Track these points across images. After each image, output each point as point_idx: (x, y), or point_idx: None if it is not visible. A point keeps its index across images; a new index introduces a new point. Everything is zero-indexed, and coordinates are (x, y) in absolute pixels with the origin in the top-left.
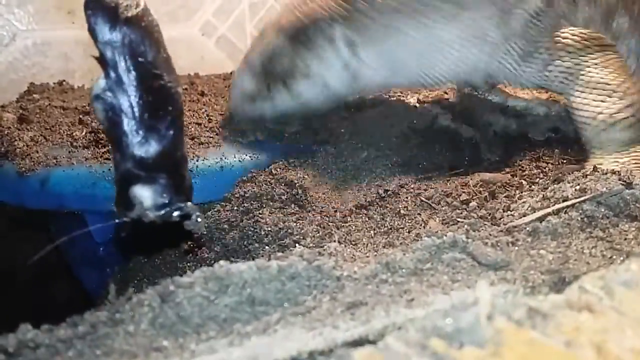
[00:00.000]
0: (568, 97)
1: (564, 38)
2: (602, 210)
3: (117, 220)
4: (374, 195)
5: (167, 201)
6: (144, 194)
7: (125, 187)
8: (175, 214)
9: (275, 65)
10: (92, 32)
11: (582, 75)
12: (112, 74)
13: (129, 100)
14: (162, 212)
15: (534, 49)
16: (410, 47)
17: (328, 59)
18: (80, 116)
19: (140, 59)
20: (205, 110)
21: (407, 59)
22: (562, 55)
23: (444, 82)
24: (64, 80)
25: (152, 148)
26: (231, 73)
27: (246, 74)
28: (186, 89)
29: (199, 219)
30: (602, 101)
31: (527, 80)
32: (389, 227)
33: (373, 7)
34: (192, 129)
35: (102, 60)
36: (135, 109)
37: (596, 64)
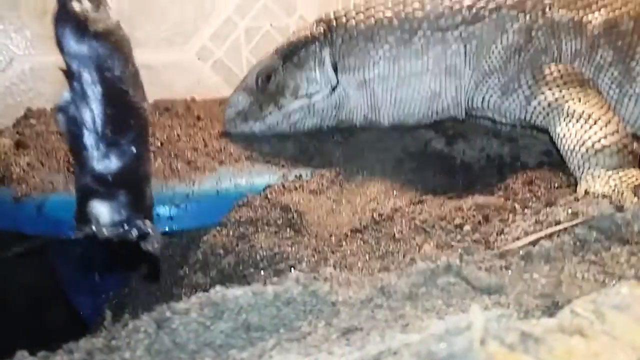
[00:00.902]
0: (552, 129)
1: (546, 74)
2: (594, 234)
3: (73, 236)
4: (369, 219)
5: (124, 218)
6: (101, 210)
7: (84, 201)
8: (133, 232)
9: (268, 83)
10: (59, 43)
11: (565, 108)
12: (77, 87)
13: (91, 114)
14: (119, 229)
15: (516, 85)
16: (384, 79)
17: (317, 79)
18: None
19: (106, 73)
20: (202, 135)
21: (382, 91)
22: (544, 90)
23: (423, 117)
24: None
25: (112, 163)
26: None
27: (241, 93)
28: (182, 113)
29: (157, 240)
30: (586, 130)
31: (510, 114)
32: (384, 251)
33: (352, 36)
34: (189, 153)
35: (67, 72)
36: (97, 123)
37: (578, 97)
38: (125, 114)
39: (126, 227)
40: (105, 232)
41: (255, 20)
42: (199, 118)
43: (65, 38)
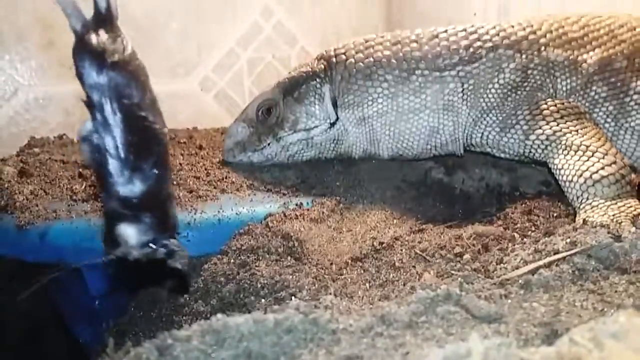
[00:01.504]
0: (551, 161)
1: (542, 109)
2: (593, 263)
3: (104, 259)
4: (369, 247)
5: (151, 239)
6: (129, 232)
7: (112, 225)
8: (160, 251)
9: (268, 116)
10: (80, 76)
11: (563, 141)
12: (99, 116)
13: (114, 142)
14: (147, 250)
15: (514, 121)
16: (383, 115)
17: (316, 114)
18: (80, 170)
19: (125, 101)
20: (204, 164)
21: (381, 126)
22: (541, 125)
23: (422, 151)
24: (64, 134)
25: (136, 188)
26: None
27: (240, 124)
28: (185, 142)
29: (183, 257)
30: (584, 162)
31: (509, 149)
32: (384, 279)
33: (351, 74)
34: (191, 182)
35: (89, 102)
36: (121, 150)
37: (575, 130)
38: (146, 139)
39: (154, 247)
40: (134, 253)
41: (257, 51)
42: (201, 147)
43: (84, 70)
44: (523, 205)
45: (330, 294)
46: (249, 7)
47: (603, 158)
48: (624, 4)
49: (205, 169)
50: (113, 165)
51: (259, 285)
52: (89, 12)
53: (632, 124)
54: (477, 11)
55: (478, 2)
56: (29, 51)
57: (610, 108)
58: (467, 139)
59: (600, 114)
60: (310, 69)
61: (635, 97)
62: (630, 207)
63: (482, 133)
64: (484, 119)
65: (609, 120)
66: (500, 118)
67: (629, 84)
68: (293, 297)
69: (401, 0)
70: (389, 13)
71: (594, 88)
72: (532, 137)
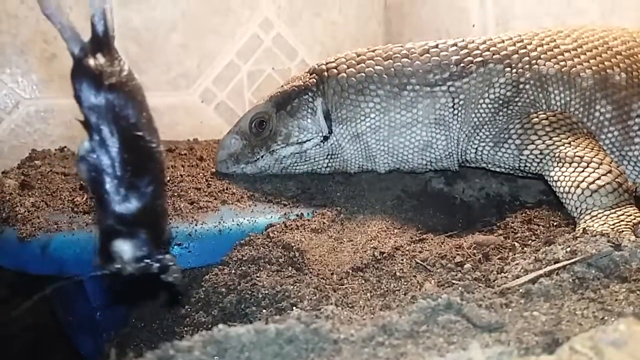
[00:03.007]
0: (547, 174)
1: (534, 122)
2: (593, 271)
3: (98, 274)
4: (370, 257)
5: (145, 254)
6: (124, 248)
7: (107, 241)
8: (154, 266)
9: (261, 130)
10: (77, 97)
11: (557, 153)
12: (96, 137)
13: (110, 161)
14: (141, 264)
15: (506, 135)
16: (376, 130)
17: (308, 128)
18: (81, 182)
19: (122, 122)
20: (204, 175)
21: (375, 142)
22: (534, 139)
23: (417, 165)
24: (65, 147)
25: (132, 205)
26: None
27: (234, 136)
28: (185, 154)
29: (177, 271)
30: (579, 173)
31: (504, 164)
32: (385, 289)
33: (344, 88)
34: (191, 193)
35: (86, 123)
36: (117, 169)
37: (568, 142)
38: (142, 158)
39: (148, 262)
40: (129, 268)
41: (257, 64)
42: (201, 159)
43: (82, 92)
44: (523, 214)
45: (332, 303)
46: (248, 19)
47: (598, 168)
48: (622, 16)
49: (206, 180)
50: (109, 184)
51: (260, 296)
52: (86, 35)
53: (636, 152)
54: (476, 22)
55: (476, 13)
56: (30, 64)
57: (615, 136)
58: (462, 155)
59: (603, 143)
60: (302, 83)
61: (637, 120)
62: (630, 215)
63: (477, 149)
64: (477, 135)
65: (611, 153)
66: (493, 133)
67: (631, 104)
68: (294, 307)
69: (400, 12)
70: (388, 24)
71: (597, 107)
72: (526, 152)
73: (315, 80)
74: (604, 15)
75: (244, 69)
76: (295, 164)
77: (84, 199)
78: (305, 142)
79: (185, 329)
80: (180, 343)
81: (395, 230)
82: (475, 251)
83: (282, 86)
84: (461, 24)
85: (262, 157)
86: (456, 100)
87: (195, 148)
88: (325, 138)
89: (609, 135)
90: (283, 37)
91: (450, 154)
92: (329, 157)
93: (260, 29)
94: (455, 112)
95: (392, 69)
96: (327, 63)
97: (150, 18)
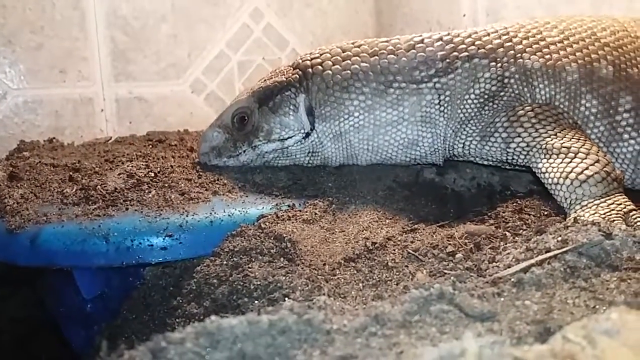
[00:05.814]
0: (535, 166)
1: (519, 115)
2: (584, 260)
3: None
4: (362, 248)
5: None
6: None
7: None
8: None
9: (242, 124)
10: None
11: (544, 145)
12: None
13: None
14: None
15: (492, 129)
16: (360, 129)
17: (290, 125)
18: (71, 173)
19: None
20: (195, 166)
21: (358, 141)
22: (520, 131)
23: (399, 163)
24: (54, 138)
25: None
26: None
27: (216, 129)
28: (176, 145)
29: None
30: (567, 164)
31: (492, 157)
32: (377, 279)
33: (328, 85)
34: (182, 184)
35: None
36: None
37: (554, 133)
38: None
39: None
40: None
41: (247, 54)
42: (192, 149)
43: None
44: (514, 204)
45: (324, 294)
46: (238, 9)
47: (586, 158)
48: (612, 5)
49: (197, 171)
50: None
51: (252, 287)
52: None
53: (624, 149)
54: (466, 12)
55: (467, 3)
56: (17, 54)
57: (601, 131)
58: (449, 150)
59: (592, 136)
60: (285, 79)
61: (625, 115)
62: (620, 204)
63: (464, 143)
64: (464, 130)
65: (600, 145)
66: (480, 127)
67: (618, 99)
68: (286, 298)
69: (391, 2)
70: (379, 15)
71: (582, 101)
72: (513, 144)
73: (298, 76)
74: (594, 4)
75: (234, 59)
76: (278, 159)
77: (73, 190)
78: (287, 139)
79: (177, 320)
80: (172, 335)
81: (387, 221)
82: (466, 241)
83: (264, 80)
84: (452, 14)
85: (244, 151)
86: (442, 97)
87: (186, 139)
88: (307, 134)
89: (595, 130)
90: (273, 27)
91: (436, 150)
92: (309, 154)
93: (251, 19)
94: (442, 108)
95: (378, 66)
96: (312, 59)
97: (139, 7)
